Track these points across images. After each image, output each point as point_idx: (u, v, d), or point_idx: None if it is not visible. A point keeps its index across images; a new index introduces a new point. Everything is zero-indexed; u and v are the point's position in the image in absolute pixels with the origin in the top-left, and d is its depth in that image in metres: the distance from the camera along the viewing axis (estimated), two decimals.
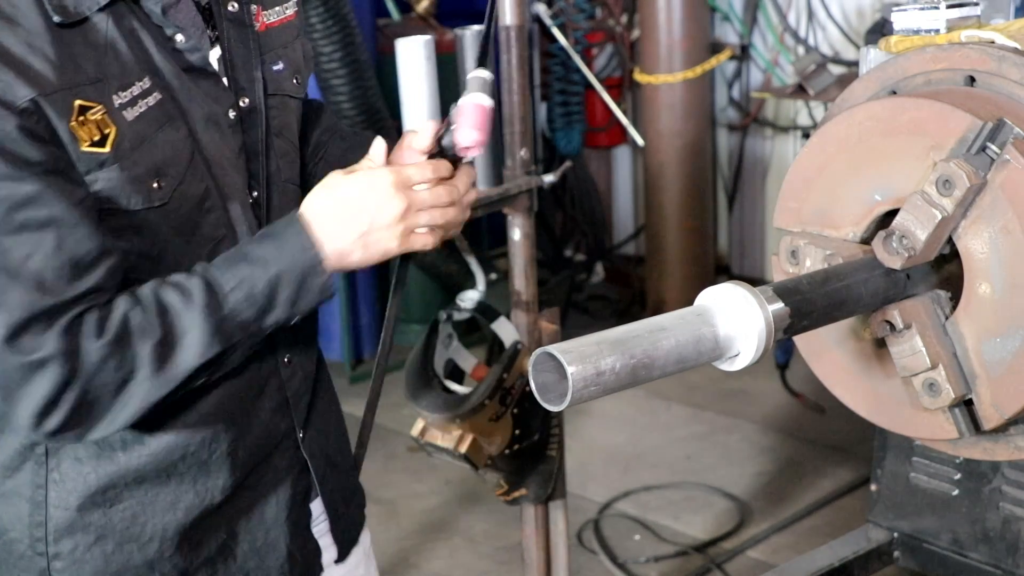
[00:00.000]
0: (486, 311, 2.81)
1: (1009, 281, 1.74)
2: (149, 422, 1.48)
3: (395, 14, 5.35)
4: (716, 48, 5.49)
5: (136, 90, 1.40)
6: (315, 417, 1.70)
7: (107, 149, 1.37)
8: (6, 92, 1.29)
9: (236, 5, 1.55)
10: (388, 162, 1.62)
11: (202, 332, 1.39)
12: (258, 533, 1.63)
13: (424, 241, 1.58)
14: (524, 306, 2.72)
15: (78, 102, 1.34)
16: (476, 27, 2.67)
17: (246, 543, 1.62)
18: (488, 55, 1.58)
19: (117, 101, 1.38)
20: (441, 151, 1.59)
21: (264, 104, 1.58)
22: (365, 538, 1.87)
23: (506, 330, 2.74)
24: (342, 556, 1.77)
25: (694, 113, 5.41)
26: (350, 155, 1.73)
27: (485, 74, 1.55)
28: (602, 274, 6.16)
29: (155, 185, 1.42)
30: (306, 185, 1.75)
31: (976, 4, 2.07)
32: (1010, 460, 2.02)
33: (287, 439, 1.66)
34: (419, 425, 2.80)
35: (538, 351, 1.38)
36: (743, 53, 5.63)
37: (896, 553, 2.38)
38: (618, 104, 5.69)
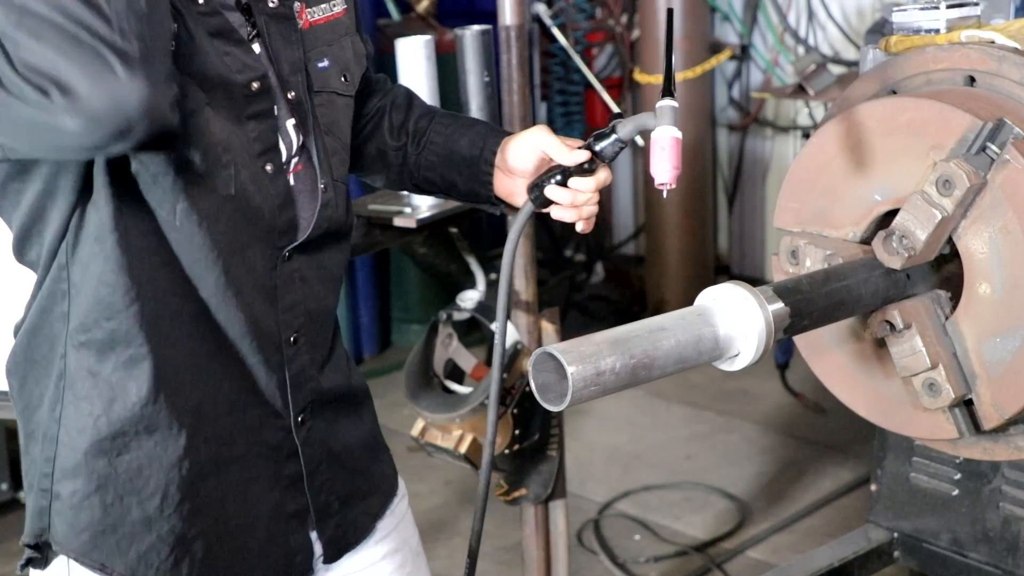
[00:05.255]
0: (486, 311, 2.81)
1: (1009, 281, 1.74)
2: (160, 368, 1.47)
3: (395, 14, 5.35)
4: (716, 48, 5.49)
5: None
6: (323, 406, 1.67)
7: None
8: None
9: (276, 1, 1.54)
10: (511, 155, 1.67)
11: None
12: (247, 510, 1.60)
13: None
14: (524, 306, 2.72)
15: None
16: (476, 27, 2.67)
17: (239, 517, 1.59)
18: (672, 81, 1.54)
19: None
20: (592, 158, 1.59)
21: (310, 100, 1.57)
22: (412, 539, 1.84)
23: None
24: (330, 558, 1.71)
25: (694, 113, 5.41)
26: (453, 142, 1.74)
27: (675, 104, 1.51)
28: (602, 274, 6.16)
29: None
30: (409, 173, 1.78)
31: (976, 4, 2.07)
32: (1010, 460, 2.02)
33: (279, 419, 1.62)
34: (419, 425, 2.80)
35: (538, 351, 1.38)
36: (743, 53, 5.63)
37: (896, 553, 2.38)
38: (618, 104, 5.68)
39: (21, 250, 1.51)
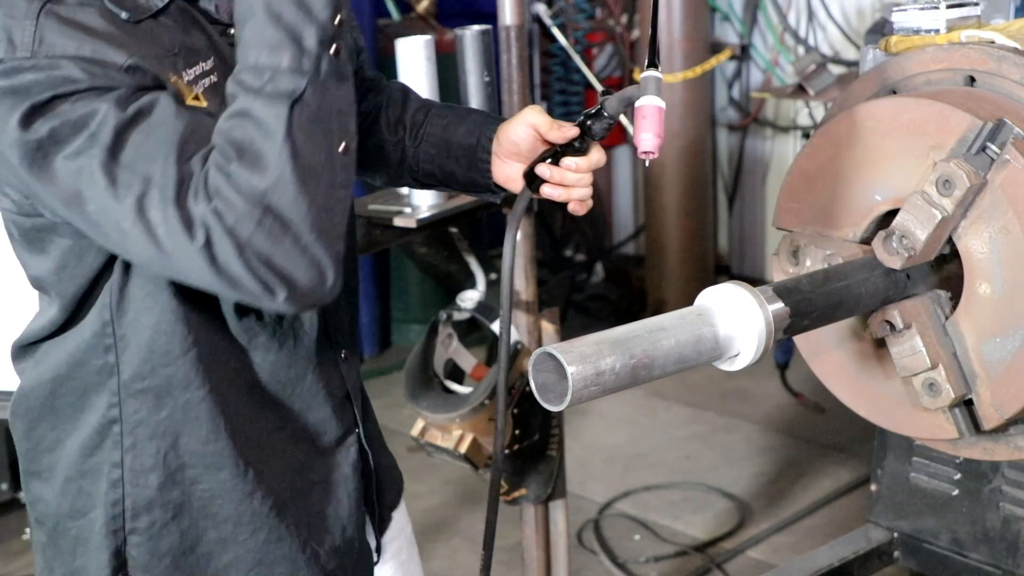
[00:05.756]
0: (486, 311, 2.81)
1: (1009, 281, 1.74)
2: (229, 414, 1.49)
3: (395, 14, 5.35)
4: (716, 48, 5.49)
5: (199, 69, 1.41)
6: (367, 417, 1.72)
7: (206, 105, 1.37)
8: (106, 55, 1.29)
9: None
10: (506, 138, 1.66)
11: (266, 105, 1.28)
12: (336, 532, 1.63)
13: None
14: (524, 306, 2.72)
15: (168, 73, 1.35)
16: (476, 27, 2.67)
17: (328, 543, 1.62)
18: (657, 53, 1.54)
19: (186, 78, 1.38)
20: (582, 136, 1.59)
21: None
22: (407, 528, 1.87)
23: None
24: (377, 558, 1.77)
25: (694, 113, 5.41)
26: (450, 132, 1.74)
27: (659, 75, 1.52)
28: (602, 274, 6.16)
29: None
30: (408, 167, 1.78)
31: (976, 4, 2.07)
32: (1010, 460, 2.02)
33: (350, 434, 1.66)
34: (419, 425, 2.80)
35: (538, 351, 1.38)
36: (743, 53, 5.63)
37: (896, 553, 2.38)
38: None
39: (42, 285, 1.51)
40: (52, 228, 1.43)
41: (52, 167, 1.29)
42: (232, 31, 1.44)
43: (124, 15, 1.35)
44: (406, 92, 1.84)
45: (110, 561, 1.53)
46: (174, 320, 1.45)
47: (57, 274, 1.47)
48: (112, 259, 1.44)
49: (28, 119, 1.28)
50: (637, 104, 1.50)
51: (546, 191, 1.62)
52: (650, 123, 1.48)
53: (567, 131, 1.61)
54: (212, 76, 1.43)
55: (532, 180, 1.62)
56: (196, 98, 1.38)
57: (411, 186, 1.90)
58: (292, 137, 1.26)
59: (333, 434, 1.63)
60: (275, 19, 1.26)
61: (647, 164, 1.53)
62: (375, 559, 1.76)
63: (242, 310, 1.49)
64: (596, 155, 1.62)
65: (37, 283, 1.52)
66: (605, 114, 1.58)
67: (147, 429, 1.50)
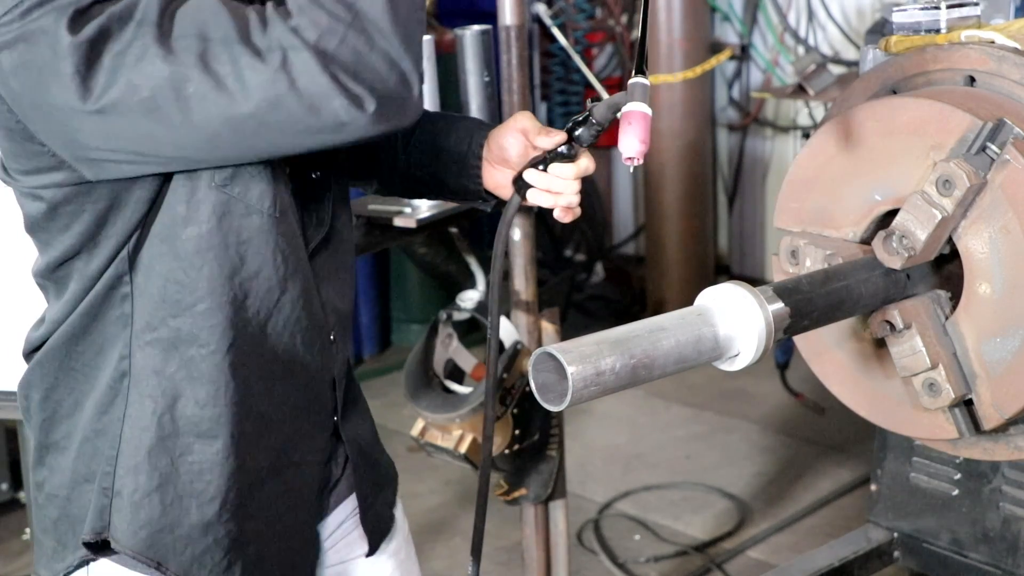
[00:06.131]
0: (486, 311, 2.81)
1: (1009, 281, 1.74)
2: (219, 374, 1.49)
3: None
4: (716, 48, 5.49)
5: None
6: (350, 405, 1.71)
7: None
8: None
9: None
10: (496, 144, 1.66)
11: None
12: (297, 512, 1.63)
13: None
14: (524, 306, 2.72)
15: None
16: (476, 27, 2.67)
17: (287, 519, 1.61)
18: (645, 59, 1.54)
19: None
20: (569, 143, 1.60)
21: None
22: (404, 526, 1.87)
23: (506, 330, 2.74)
24: (372, 549, 1.76)
25: (694, 113, 5.41)
26: (440, 140, 1.74)
27: (646, 81, 1.52)
28: (602, 274, 6.16)
29: None
30: (399, 175, 1.78)
31: (976, 4, 2.07)
32: (1010, 460, 2.02)
33: (328, 419, 1.65)
34: (419, 425, 2.80)
35: (538, 351, 1.38)
36: (743, 53, 5.63)
37: (896, 553, 2.38)
38: None
39: (56, 268, 1.50)
40: (87, 192, 1.42)
41: (107, 63, 1.30)
42: None
43: None
44: None
45: (94, 521, 1.51)
46: (188, 268, 1.45)
47: (88, 241, 1.46)
48: (127, 211, 1.43)
49: (75, 23, 1.28)
50: (623, 110, 1.51)
51: (533, 198, 1.62)
52: (635, 129, 1.49)
53: (555, 137, 1.61)
54: None
55: (521, 186, 1.63)
56: None
57: (401, 195, 1.90)
58: None
59: (323, 415, 1.62)
60: None
61: (631, 170, 1.54)
62: (318, 555, 1.73)
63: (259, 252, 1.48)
64: (585, 162, 1.61)
65: (59, 263, 1.50)
66: (593, 120, 1.59)
67: (150, 383, 1.49)
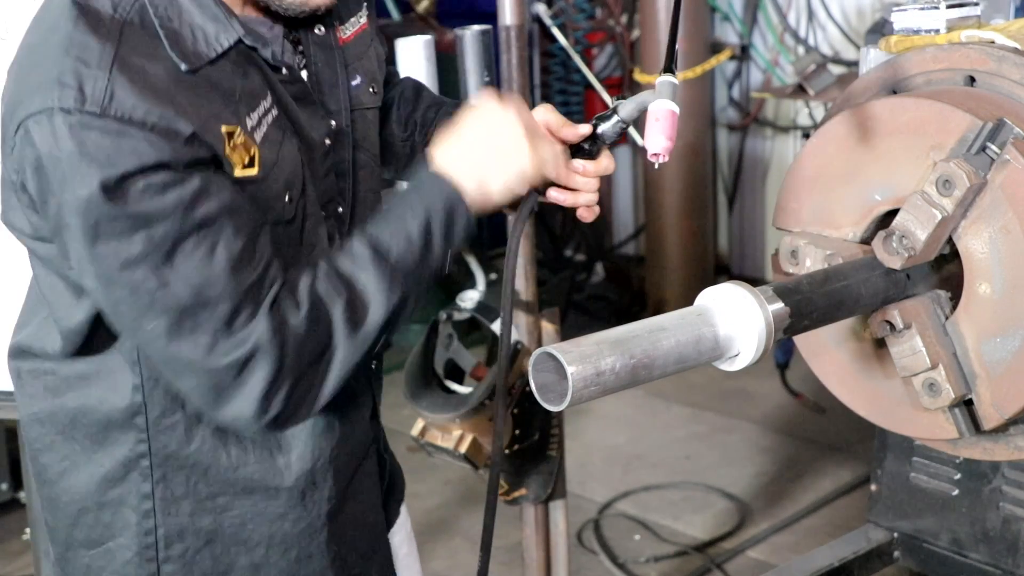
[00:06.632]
0: (486, 311, 2.81)
1: (1009, 281, 1.74)
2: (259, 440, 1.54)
3: (395, 14, 5.35)
4: (716, 48, 5.49)
5: (261, 110, 1.43)
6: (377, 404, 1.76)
7: (256, 170, 1.40)
8: (171, 123, 1.31)
9: (323, 28, 1.56)
10: None
11: (380, 285, 1.42)
12: (362, 541, 1.67)
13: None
14: (524, 306, 2.72)
15: (224, 128, 1.36)
16: (476, 27, 2.67)
17: (355, 552, 1.65)
18: (674, 59, 1.52)
19: (249, 124, 1.41)
20: (592, 139, 1.58)
21: (352, 128, 1.60)
22: (407, 523, 1.89)
23: None
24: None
25: (694, 113, 5.41)
26: None
27: (675, 80, 1.50)
28: (602, 274, 6.16)
29: (286, 199, 1.45)
30: (413, 162, 1.78)
31: (976, 4, 2.07)
32: (1010, 460, 2.02)
33: (375, 443, 1.70)
34: (419, 425, 2.80)
35: (538, 351, 1.38)
36: (743, 53, 5.63)
37: (896, 553, 2.38)
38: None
39: (86, 343, 1.52)
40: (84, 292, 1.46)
41: (104, 250, 1.32)
42: (284, 70, 1.49)
43: (184, 66, 1.36)
44: (418, 89, 1.85)
45: None
46: None
47: (92, 326, 1.48)
48: None
49: (99, 193, 1.29)
50: (650, 107, 1.49)
51: (553, 195, 1.61)
52: (662, 125, 1.47)
53: (580, 129, 1.59)
54: (272, 112, 1.45)
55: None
56: (250, 162, 1.39)
57: None
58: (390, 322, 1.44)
59: (366, 441, 1.65)
60: (424, 229, 1.46)
61: (656, 167, 1.52)
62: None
63: None
64: (605, 161, 1.60)
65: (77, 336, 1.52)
66: (619, 117, 1.57)
67: (177, 461, 1.52)
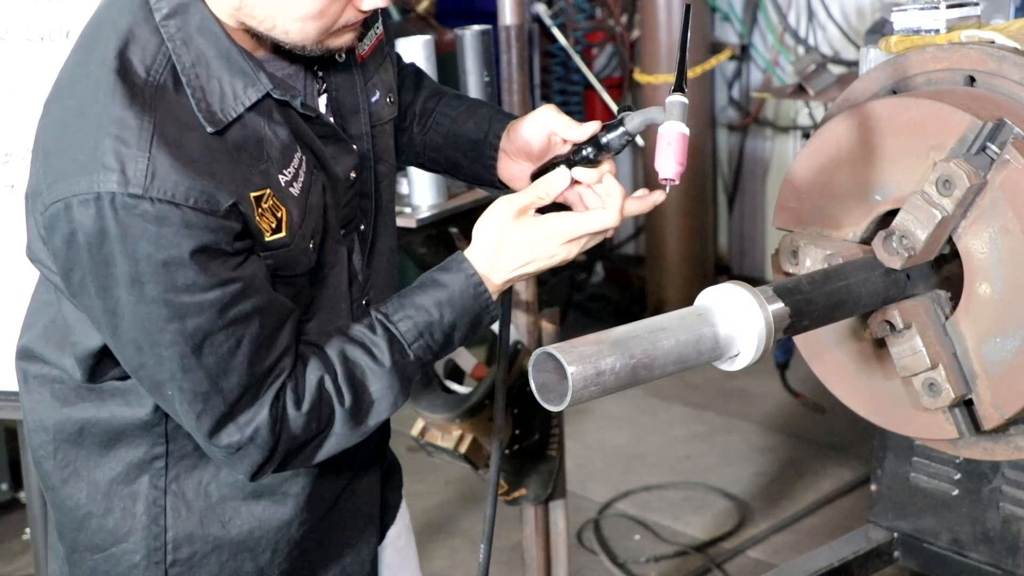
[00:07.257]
0: None
1: (1009, 281, 1.74)
2: None
3: (395, 14, 5.35)
4: (716, 48, 5.49)
5: (292, 167, 1.43)
6: None
7: (284, 234, 1.41)
8: (211, 197, 1.32)
9: (343, 56, 1.54)
10: (518, 136, 1.64)
11: (392, 391, 1.46)
12: (355, 527, 1.70)
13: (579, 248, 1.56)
14: (524, 306, 2.72)
15: (253, 194, 1.37)
16: (476, 27, 2.67)
17: (344, 536, 1.68)
18: (685, 77, 1.51)
19: (283, 180, 1.41)
20: (596, 147, 1.57)
21: (372, 146, 1.59)
22: (405, 515, 1.90)
23: None
24: (380, 536, 1.81)
25: (694, 113, 5.36)
26: (459, 124, 1.74)
27: (685, 100, 1.49)
28: (602, 274, 6.15)
29: (311, 246, 1.46)
30: (414, 152, 1.78)
31: (976, 4, 2.07)
32: (1010, 460, 2.02)
33: (383, 437, 1.73)
34: (419, 425, 2.80)
35: (538, 351, 1.38)
36: (743, 53, 5.62)
37: (896, 553, 2.38)
38: (617, 104, 5.68)
39: (95, 371, 1.53)
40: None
41: (132, 330, 1.36)
42: (313, 115, 1.47)
43: (210, 129, 1.35)
44: (420, 77, 1.83)
45: None
46: None
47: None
48: None
49: (138, 280, 1.32)
50: (661, 129, 1.48)
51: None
52: (674, 150, 1.46)
53: (586, 129, 1.58)
54: (304, 163, 1.45)
55: None
56: (277, 226, 1.40)
57: (417, 168, 1.92)
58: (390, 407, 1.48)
59: (371, 441, 1.65)
60: (447, 334, 1.49)
61: (667, 190, 1.51)
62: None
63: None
64: (608, 167, 1.58)
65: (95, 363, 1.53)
66: (624, 129, 1.56)
67: (191, 461, 1.53)
